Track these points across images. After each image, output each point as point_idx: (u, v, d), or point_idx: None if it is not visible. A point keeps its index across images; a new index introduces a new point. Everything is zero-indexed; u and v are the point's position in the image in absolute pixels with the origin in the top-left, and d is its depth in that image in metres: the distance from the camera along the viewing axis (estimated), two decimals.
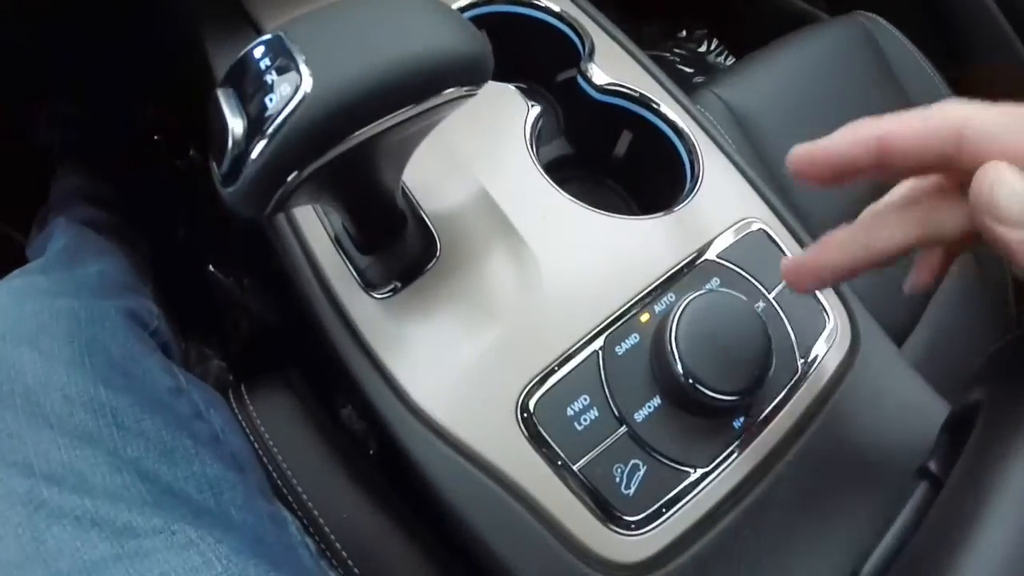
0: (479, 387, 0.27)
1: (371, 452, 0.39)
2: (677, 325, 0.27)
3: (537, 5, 0.39)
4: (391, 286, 0.30)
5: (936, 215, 0.21)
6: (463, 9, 0.38)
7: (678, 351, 0.26)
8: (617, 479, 0.26)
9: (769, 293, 0.31)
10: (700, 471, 0.27)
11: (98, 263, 0.42)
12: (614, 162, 0.40)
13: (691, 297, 0.28)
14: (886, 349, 0.34)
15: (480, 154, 0.32)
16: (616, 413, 0.27)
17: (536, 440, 0.27)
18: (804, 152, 0.22)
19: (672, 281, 0.31)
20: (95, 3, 0.51)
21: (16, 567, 0.27)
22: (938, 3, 0.66)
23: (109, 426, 0.31)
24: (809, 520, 0.29)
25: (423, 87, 0.22)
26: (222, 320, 0.52)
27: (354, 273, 0.30)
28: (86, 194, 0.53)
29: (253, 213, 0.23)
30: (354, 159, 0.23)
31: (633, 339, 0.29)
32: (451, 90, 0.23)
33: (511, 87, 0.35)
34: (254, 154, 0.21)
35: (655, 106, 0.37)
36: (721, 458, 0.28)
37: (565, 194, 0.32)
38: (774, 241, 0.33)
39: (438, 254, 0.30)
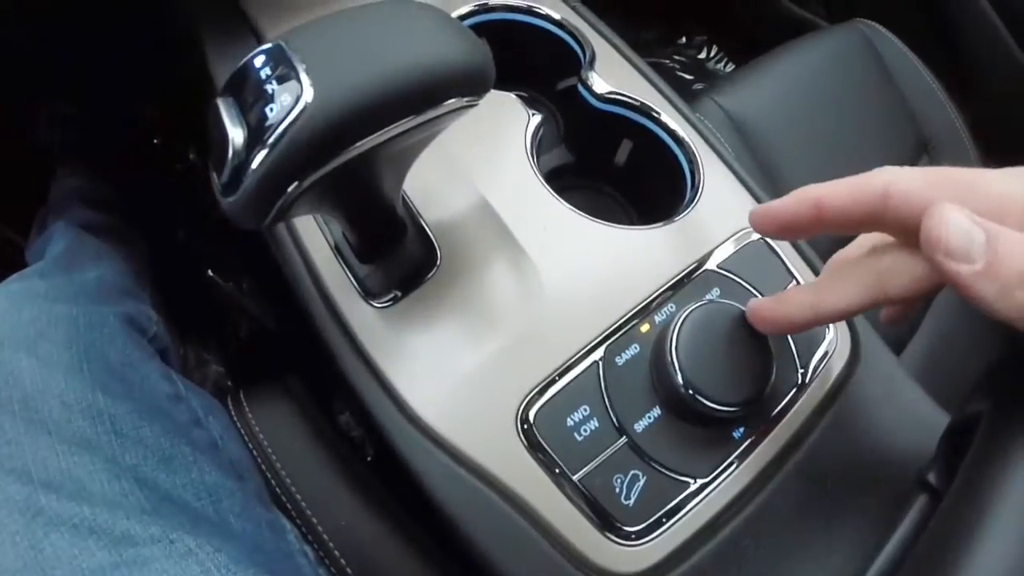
0: (479, 397, 0.27)
1: (368, 459, 0.39)
2: (677, 336, 0.27)
3: (538, 13, 0.39)
4: (391, 295, 0.29)
5: (884, 279, 0.23)
6: (463, 17, 0.38)
7: (678, 362, 0.26)
8: (617, 489, 0.26)
9: None
10: (700, 481, 0.27)
11: (97, 268, 0.42)
12: (614, 171, 0.40)
13: (692, 307, 0.28)
14: (886, 359, 0.34)
15: (480, 163, 0.32)
16: (616, 423, 0.27)
17: (536, 450, 0.26)
18: (760, 211, 0.25)
19: (672, 291, 0.31)
20: (95, 4, 0.51)
21: (14, 575, 0.27)
22: (937, 10, 0.67)
23: (107, 433, 0.31)
24: (809, 530, 0.29)
25: (425, 98, 0.22)
26: (221, 324, 0.52)
27: (354, 282, 0.30)
28: (85, 196, 0.53)
29: (253, 223, 0.23)
30: (354, 169, 0.23)
31: (633, 349, 0.29)
32: (453, 101, 0.23)
33: (512, 95, 0.35)
34: (254, 164, 0.21)
35: (655, 115, 0.37)
36: (721, 468, 0.28)
37: (565, 203, 0.32)
38: (774, 251, 0.33)
39: (438, 263, 0.30)
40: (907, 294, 0.23)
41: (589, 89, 0.37)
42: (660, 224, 0.33)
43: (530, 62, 0.40)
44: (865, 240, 0.26)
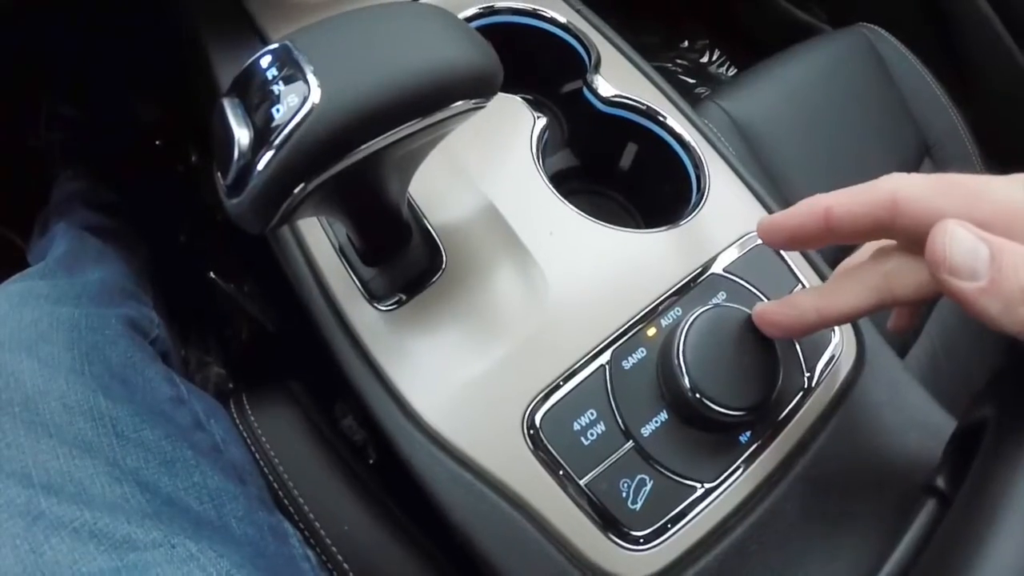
0: (485, 400, 0.27)
1: (371, 462, 0.39)
2: (684, 339, 0.27)
3: (543, 16, 0.39)
4: (396, 298, 0.29)
5: (891, 281, 0.23)
6: (468, 20, 0.38)
7: (685, 366, 0.26)
8: (624, 494, 0.26)
9: None
10: (707, 486, 0.27)
11: (99, 270, 0.42)
12: (618, 175, 0.40)
13: (699, 311, 0.27)
14: (891, 363, 0.34)
15: (486, 166, 0.32)
16: (623, 428, 0.27)
17: (542, 454, 0.26)
18: (768, 223, 0.25)
19: (679, 295, 0.31)
20: (96, 4, 0.51)
21: None
22: (938, 14, 0.67)
23: (109, 435, 0.31)
24: (815, 536, 0.29)
25: (433, 100, 0.22)
26: (222, 327, 0.52)
27: (358, 284, 0.30)
28: (87, 199, 0.53)
29: (258, 226, 0.23)
30: (360, 172, 0.23)
31: (640, 353, 0.28)
32: (460, 103, 0.23)
33: (517, 98, 0.35)
34: (260, 165, 0.21)
35: (661, 119, 0.36)
36: (727, 473, 0.28)
37: (571, 207, 0.32)
38: (780, 256, 0.33)
39: (444, 267, 0.30)
40: (914, 296, 0.23)
41: (594, 92, 0.37)
42: (666, 228, 0.33)
43: (534, 65, 0.40)
44: (870, 245, 0.26)
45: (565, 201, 0.32)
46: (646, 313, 0.30)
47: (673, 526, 0.26)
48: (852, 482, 0.30)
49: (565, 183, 0.39)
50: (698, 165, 0.35)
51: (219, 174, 0.23)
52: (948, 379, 0.50)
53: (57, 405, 0.31)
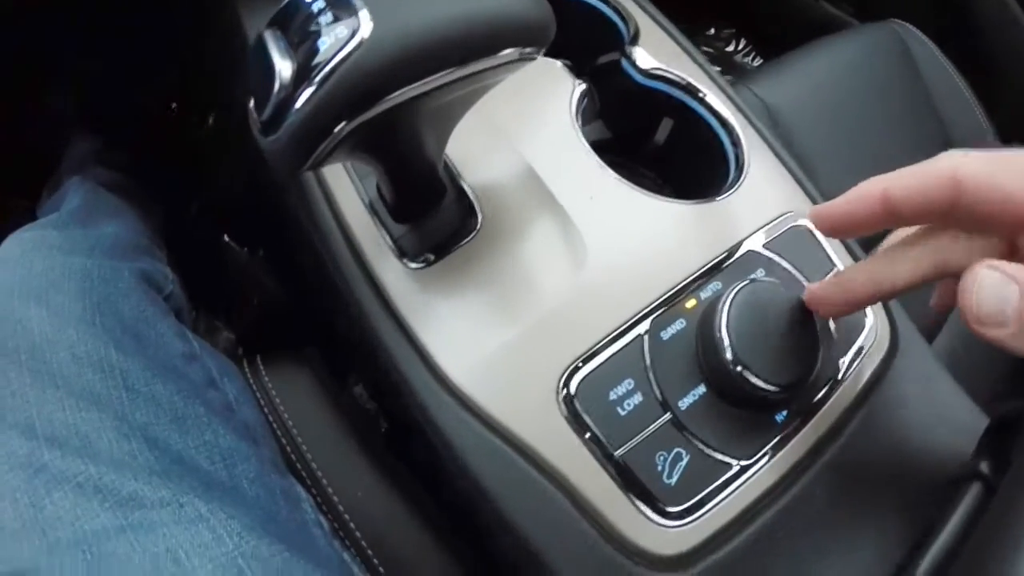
0: (518, 364, 0.26)
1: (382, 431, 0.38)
2: (728, 312, 0.26)
3: None
4: (426, 257, 0.28)
5: (946, 253, 0.23)
6: None
7: (729, 338, 0.25)
8: (659, 467, 0.25)
9: None
10: (741, 464, 0.26)
11: (113, 224, 0.41)
12: (650, 149, 0.39)
13: (741, 285, 0.27)
14: (922, 350, 0.33)
15: (525, 129, 0.31)
16: (660, 399, 0.26)
17: (577, 423, 0.25)
18: (822, 208, 0.24)
19: (717, 269, 0.30)
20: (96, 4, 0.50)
21: (11, 535, 0.25)
22: (969, 13, 0.66)
23: (118, 388, 0.30)
24: (840, 524, 0.28)
25: (484, 44, 0.21)
26: (233, 292, 0.50)
27: (388, 240, 0.29)
28: (101, 158, 0.52)
29: (294, 164, 0.22)
30: (401, 119, 0.22)
31: (679, 324, 0.27)
32: (511, 50, 0.22)
33: (557, 63, 0.34)
34: (301, 100, 0.20)
35: (701, 95, 0.36)
36: (762, 452, 0.27)
37: (613, 172, 0.31)
38: (816, 237, 0.33)
39: (479, 227, 0.29)
40: (967, 265, 0.22)
41: (633, 64, 0.36)
42: (706, 200, 0.32)
43: (569, 36, 0.39)
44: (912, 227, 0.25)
45: (605, 166, 0.31)
46: (686, 284, 0.29)
47: (707, 504, 0.25)
48: (882, 468, 0.30)
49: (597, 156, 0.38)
50: (737, 144, 0.35)
51: (255, 112, 0.22)
52: (972, 369, 0.50)
53: (66, 355, 0.30)
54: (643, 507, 0.25)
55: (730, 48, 0.88)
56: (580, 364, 0.26)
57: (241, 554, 0.26)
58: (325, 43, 0.20)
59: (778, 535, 0.27)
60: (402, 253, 0.28)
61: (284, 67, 0.21)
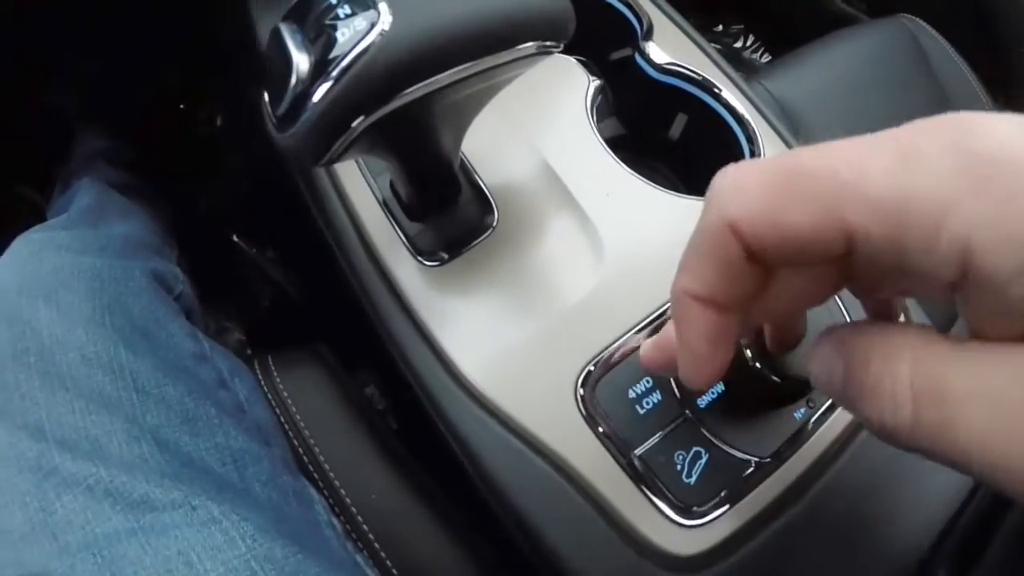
0: (535, 364, 0.26)
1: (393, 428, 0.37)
2: None
3: None
4: (443, 255, 0.28)
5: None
6: None
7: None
8: (679, 466, 0.25)
9: None
10: (761, 462, 0.26)
11: (123, 224, 0.40)
12: (664, 145, 0.39)
13: None
14: None
15: (541, 126, 0.31)
16: (680, 397, 0.26)
17: (595, 422, 0.25)
18: (646, 347, 0.22)
19: None
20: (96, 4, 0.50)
21: (21, 538, 0.25)
22: (981, 9, 0.66)
23: (128, 390, 0.30)
24: (867, 519, 0.28)
25: (504, 37, 0.21)
26: (243, 292, 0.50)
27: (403, 238, 0.28)
28: (110, 157, 0.51)
29: (308, 161, 0.21)
30: (419, 113, 0.21)
31: None
32: (531, 44, 0.22)
33: (571, 59, 0.34)
34: (318, 94, 0.20)
35: (716, 90, 0.35)
36: (781, 450, 0.26)
37: (628, 169, 0.30)
38: None
39: (495, 224, 0.28)
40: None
41: (647, 59, 0.36)
42: None
43: (583, 32, 0.39)
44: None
45: (621, 163, 0.30)
46: None
47: (728, 503, 0.25)
48: (903, 467, 0.29)
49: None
50: (751, 139, 0.34)
51: (270, 107, 0.22)
52: None
53: (75, 356, 0.30)
54: (663, 506, 0.24)
55: (738, 44, 0.87)
56: (598, 363, 0.26)
57: (254, 556, 0.25)
58: (343, 36, 0.20)
59: (799, 533, 0.27)
60: (417, 251, 0.28)
61: (301, 60, 0.20)
